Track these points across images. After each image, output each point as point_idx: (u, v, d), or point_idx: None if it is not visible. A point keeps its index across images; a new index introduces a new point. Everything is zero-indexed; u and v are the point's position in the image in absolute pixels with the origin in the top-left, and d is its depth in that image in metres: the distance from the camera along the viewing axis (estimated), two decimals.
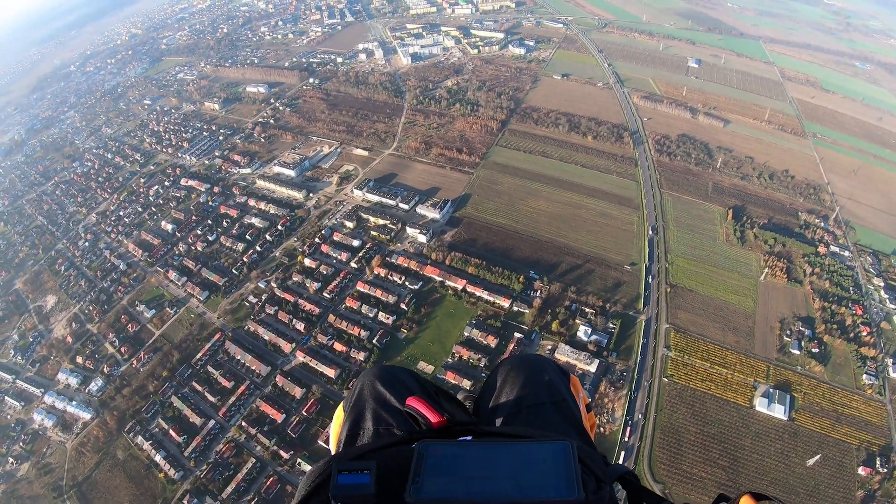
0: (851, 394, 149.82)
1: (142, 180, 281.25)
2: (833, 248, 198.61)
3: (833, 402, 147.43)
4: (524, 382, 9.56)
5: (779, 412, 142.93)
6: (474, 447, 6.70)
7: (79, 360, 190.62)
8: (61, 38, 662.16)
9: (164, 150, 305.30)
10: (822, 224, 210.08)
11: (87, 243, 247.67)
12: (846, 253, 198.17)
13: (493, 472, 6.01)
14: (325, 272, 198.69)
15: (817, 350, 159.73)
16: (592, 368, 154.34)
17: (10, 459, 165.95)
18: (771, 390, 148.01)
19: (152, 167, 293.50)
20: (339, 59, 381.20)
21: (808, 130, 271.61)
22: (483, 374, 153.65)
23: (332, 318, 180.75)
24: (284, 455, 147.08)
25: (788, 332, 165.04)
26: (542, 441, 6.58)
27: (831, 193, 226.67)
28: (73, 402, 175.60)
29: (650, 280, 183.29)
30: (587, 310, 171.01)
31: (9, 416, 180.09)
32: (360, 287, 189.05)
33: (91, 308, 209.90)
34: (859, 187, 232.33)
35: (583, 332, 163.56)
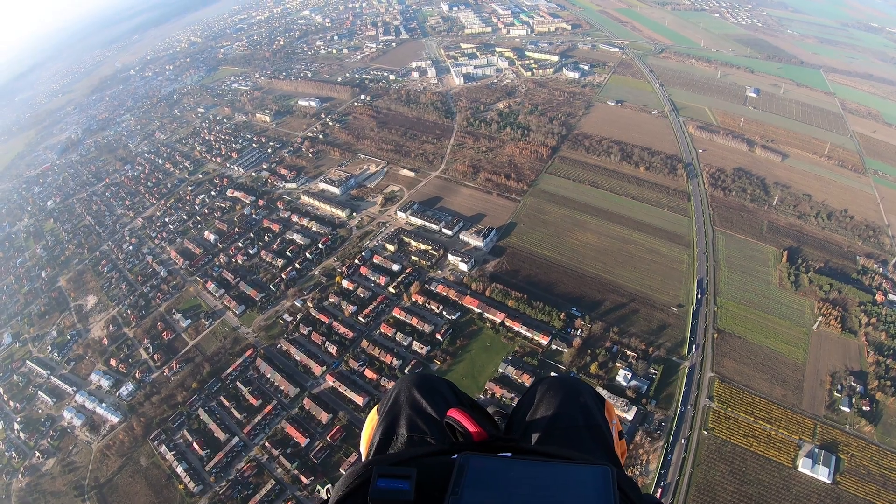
0: None
1: (189, 188, 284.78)
2: (891, 297, 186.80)
3: (881, 465, 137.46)
4: (560, 403, 9.48)
5: (822, 474, 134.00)
6: (515, 464, 6.69)
7: (112, 362, 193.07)
8: (124, 41, 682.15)
9: (214, 159, 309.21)
10: (881, 270, 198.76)
11: (131, 247, 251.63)
12: None
13: (533, 489, 6.01)
14: (362, 295, 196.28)
15: (868, 408, 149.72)
16: (629, 416, 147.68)
17: (37, 453, 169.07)
18: (816, 450, 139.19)
19: (200, 175, 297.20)
20: (392, 77, 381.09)
21: (868, 167, 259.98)
22: None
23: (365, 343, 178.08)
24: (305, 480, 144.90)
25: (839, 387, 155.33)
26: (583, 464, 6.59)
27: (891, 236, 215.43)
28: (103, 404, 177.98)
29: (697, 324, 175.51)
30: (629, 353, 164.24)
31: (40, 411, 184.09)
32: (397, 313, 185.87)
33: (129, 312, 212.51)
34: None
35: (622, 376, 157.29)
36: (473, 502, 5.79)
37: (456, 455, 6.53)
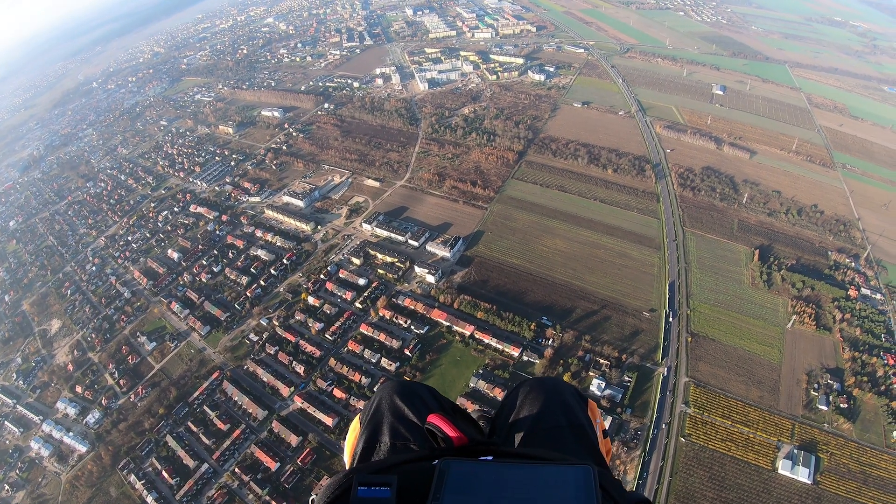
0: (881, 453, 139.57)
1: (152, 205, 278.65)
2: (864, 291, 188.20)
3: (861, 462, 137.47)
4: (542, 404, 9.50)
5: (803, 475, 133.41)
6: (495, 467, 6.70)
7: (78, 389, 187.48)
8: (87, 53, 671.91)
9: (177, 173, 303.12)
10: (853, 264, 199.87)
11: (94, 268, 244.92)
12: (878, 296, 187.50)
13: (513, 492, 6.08)
14: (328, 312, 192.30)
15: (846, 405, 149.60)
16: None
17: (6, 486, 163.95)
18: (795, 451, 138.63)
19: (163, 191, 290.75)
20: (356, 84, 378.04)
21: (836, 161, 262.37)
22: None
23: (332, 361, 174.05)
24: None
25: (816, 385, 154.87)
26: (564, 464, 6.62)
27: (862, 230, 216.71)
28: (70, 433, 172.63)
29: (670, 328, 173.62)
30: (601, 361, 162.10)
31: (7, 442, 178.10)
32: (364, 329, 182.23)
33: (93, 336, 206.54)
34: (891, 222, 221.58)
35: (596, 385, 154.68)
36: None
37: (437, 461, 6.52)
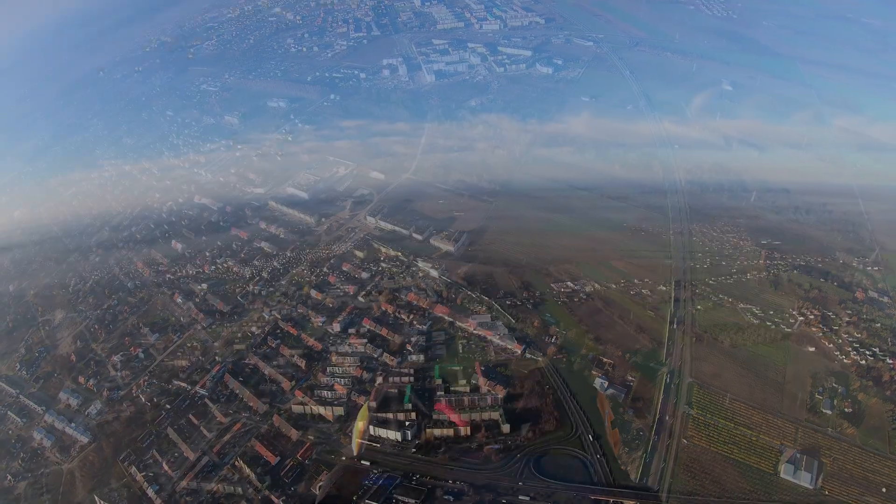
0: (884, 459, 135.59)
1: (157, 195, 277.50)
2: (871, 294, 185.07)
3: (864, 468, 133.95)
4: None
5: (805, 480, 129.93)
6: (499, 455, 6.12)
7: (80, 380, 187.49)
8: (94, 43, 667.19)
9: (182, 164, 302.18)
10: (860, 266, 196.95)
11: (98, 258, 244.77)
12: (885, 299, 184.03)
13: (514, 479, 5.71)
14: (330, 305, 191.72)
15: (850, 410, 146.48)
16: None
17: (9, 476, 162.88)
18: (798, 455, 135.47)
19: (168, 182, 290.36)
20: (363, 75, 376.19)
21: (846, 159, 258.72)
22: None
23: (334, 356, 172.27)
24: (276, 501, 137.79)
25: (820, 388, 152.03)
26: (565, 452, 6.16)
27: (870, 230, 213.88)
28: (73, 424, 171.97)
29: (675, 328, 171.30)
30: (605, 360, 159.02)
31: (10, 432, 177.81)
32: (366, 324, 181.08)
33: (96, 327, 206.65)
34: None
35: (598, 384, 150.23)
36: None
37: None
